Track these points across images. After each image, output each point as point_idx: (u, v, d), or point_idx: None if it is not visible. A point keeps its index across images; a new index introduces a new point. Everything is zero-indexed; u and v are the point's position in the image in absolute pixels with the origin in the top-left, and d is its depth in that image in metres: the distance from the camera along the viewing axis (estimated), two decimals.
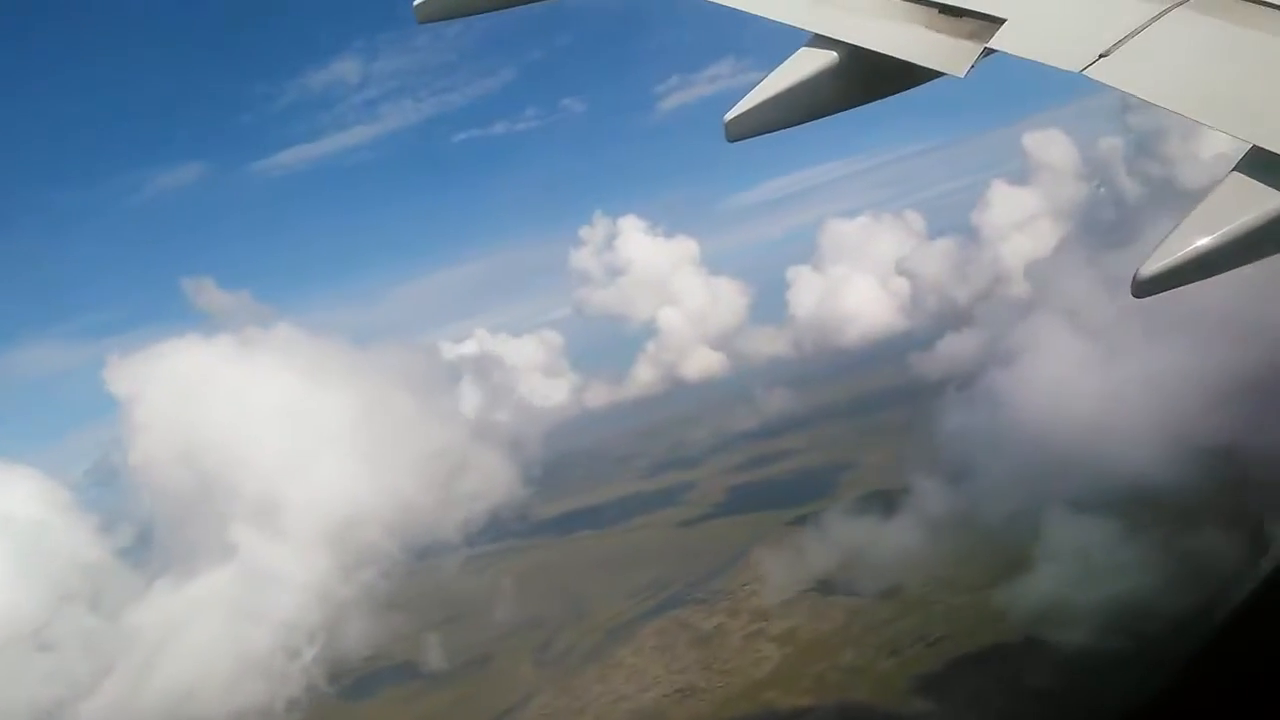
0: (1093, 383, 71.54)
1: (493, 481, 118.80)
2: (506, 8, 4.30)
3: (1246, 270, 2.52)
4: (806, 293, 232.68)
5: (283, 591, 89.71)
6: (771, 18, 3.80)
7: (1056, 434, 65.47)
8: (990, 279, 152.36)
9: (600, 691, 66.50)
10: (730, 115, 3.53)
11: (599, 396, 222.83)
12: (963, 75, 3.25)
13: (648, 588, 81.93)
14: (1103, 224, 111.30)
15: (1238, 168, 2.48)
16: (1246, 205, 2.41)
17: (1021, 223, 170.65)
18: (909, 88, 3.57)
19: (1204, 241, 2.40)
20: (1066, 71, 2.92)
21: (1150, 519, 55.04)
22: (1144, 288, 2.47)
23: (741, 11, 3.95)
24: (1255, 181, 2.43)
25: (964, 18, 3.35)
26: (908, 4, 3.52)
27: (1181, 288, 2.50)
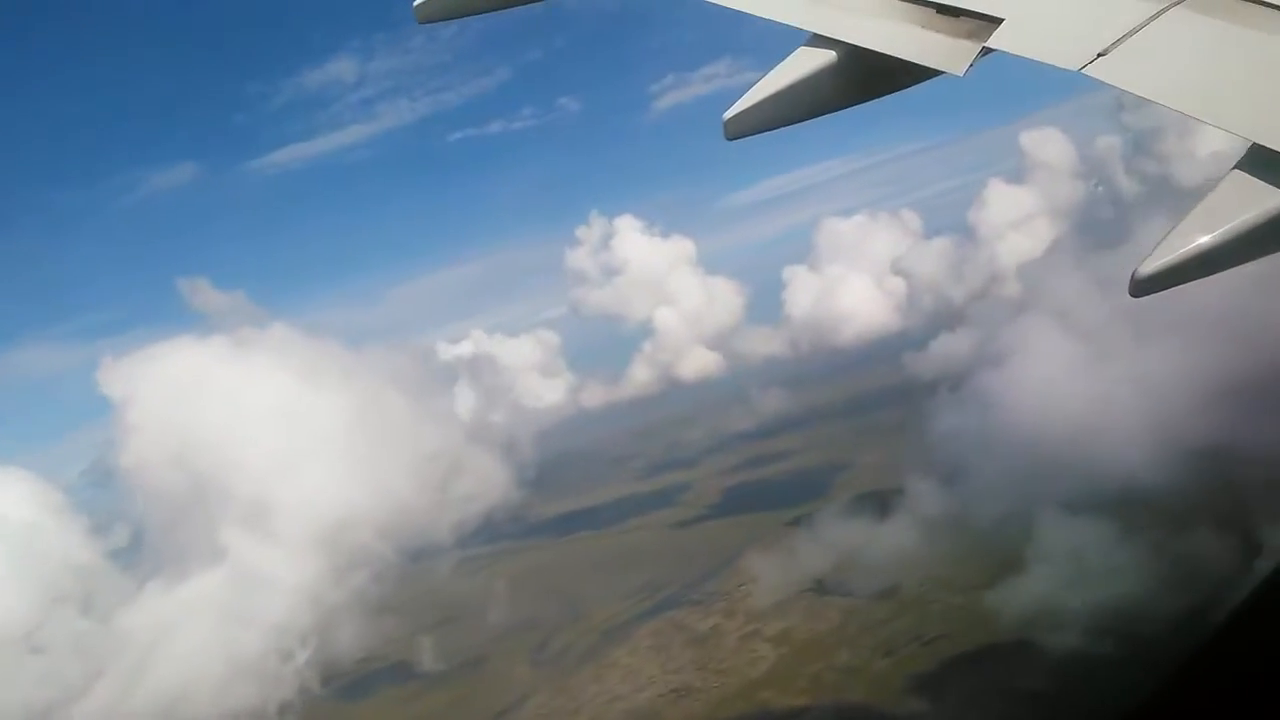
0: (1085, 383, 71.86)
1: (488, 483, 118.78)
2: (505, 8, 4.30)
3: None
4: (802, 292, 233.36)
5: (275, 594, 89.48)
6: (770, 17, 3.80)
7: (1049, 435, 65.75)
8: (986, 279, 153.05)
9: (596, 692, 66.47)
10: (729, 113, 3.53)
11: (595, 397, 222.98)
12: (961, 74, 3.25)
13: (643, 588, 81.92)
14: (1100, 223, 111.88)
15: (1238, 166, 2.49)
16: (1247, 203, 2.41)
17: (1018, 222, 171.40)
18: (908, 86, 3.57)
19: (1205, 239, 2.41)
20: (1065, 70, 2.93)
21: (1143, 520, 55.26)
22: (1143, 286, 2.47)
23: (738, 11, 3.96)
24: (1256, 179, 2.44)
25: (962, 17, 3.35)
26: (906, 3, 3.53)
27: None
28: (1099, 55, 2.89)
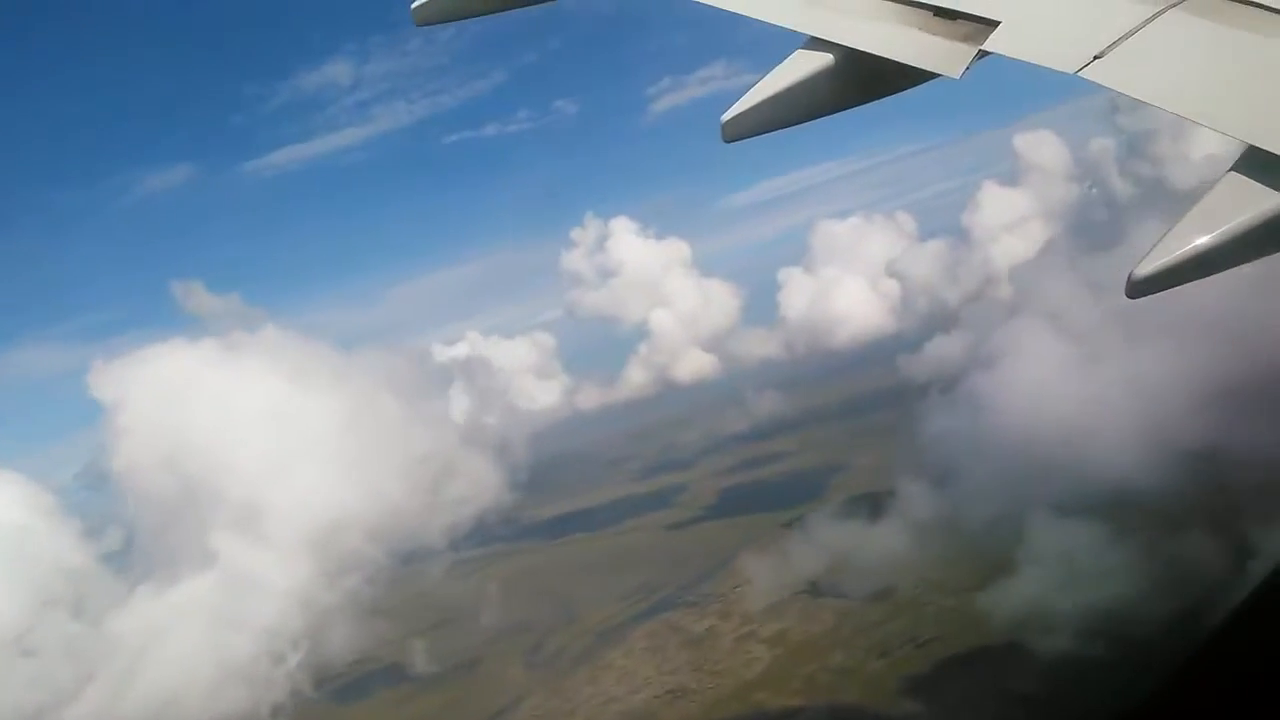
0: (1078, 385, 72.07)
1: (481, 485, 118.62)
2: (503, 10, 4.30)
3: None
4: (798, 294, 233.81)
5: (267, 597, 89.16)
6: (767, 20, 3.81)
7: (1043, 437, 65.92)
8: (980, 281, 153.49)
9: (591, 693, 66.37)
10: (727, 116, 3.54)
11: (590, 398, 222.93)
12: (958, 77, 3.26)
13: (639, 590, 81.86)
14: (1094, 225, 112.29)
15: (1234, 167, 2.50)
16: (1243, 205, 2.42)
17: (1012, 224, 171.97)
18: (905, 89, 3.59)
19: (1201, 241, 2.42)
20: (1061, 73, 2.94)
21: (1135, 523, 55.43)
22: (1139, 288, 2.48)
23: (734, 14, 3.97)
24: (1252, 181, 2.45)
25: (959, 20, 3.37)
26: (903, 6, 3.54)
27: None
28: (1095, 58, 2.90)
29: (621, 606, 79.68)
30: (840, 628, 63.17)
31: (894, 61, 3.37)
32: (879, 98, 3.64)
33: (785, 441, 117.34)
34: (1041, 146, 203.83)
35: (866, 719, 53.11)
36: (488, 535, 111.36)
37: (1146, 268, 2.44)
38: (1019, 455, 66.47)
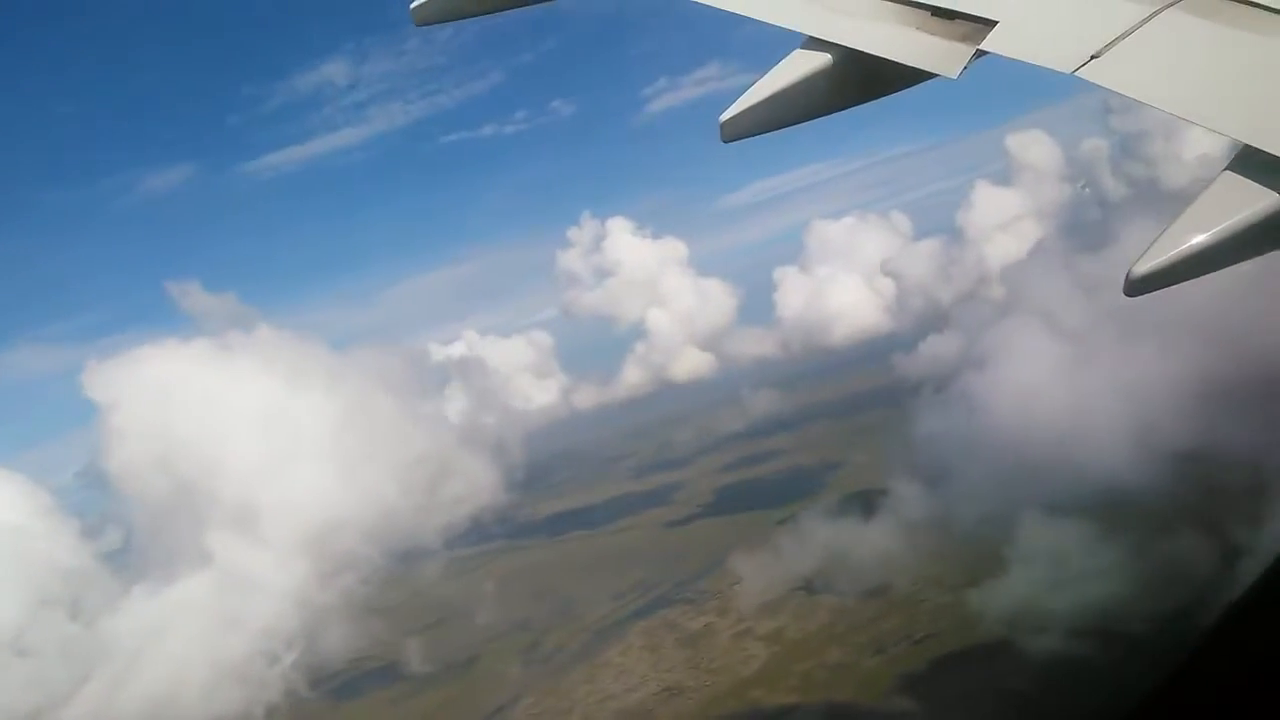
0: (1070, 386, 72.22)
1: (478, 484, 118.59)
2: (501, 10, 4.30)
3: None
4: (793, 294, 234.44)
5: (262, 597, 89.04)
6: (766, 20, 3.81)
7: (1035, 437, 66.08)
8: (974, 280, 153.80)
9: (588, 691, 66.39)
10: (725, 116, 3.53)
11: (587, 397, 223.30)
12: (955, 77, 3.27)
13: (636, 588, 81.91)
14: (1086, 225, 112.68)
15: (1230, 166, 2.51)
16: (1240, 204, 2.44)
17: (1007, 224, 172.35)
18: (903, 89, 3.59)
19: (1198, 240, 2.43)
20: (1059, 73, 2.94)
21: (1126, 522, 55.58)
22: (1137, 286, 2.49)
23: (731, 15, 3.96)
24: (1248, 180, 2.46)
25: (956, 20, 3.37)
26: (901, 6, 3.55)
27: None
28: (1092, 58, 2.90)
29: (618, 604, 79.72)
30: (836, 625, 63.29)
31: (892, 61, 3.38)
32: (877, 97, 3.65)
33: (781, 439, 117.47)
34: (1035, 146, 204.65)
35: (862, 716, 53.20)
36: (484, 534, 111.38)
37: (1144, 266, 2.45)
38: (1013, 453, 66.63)
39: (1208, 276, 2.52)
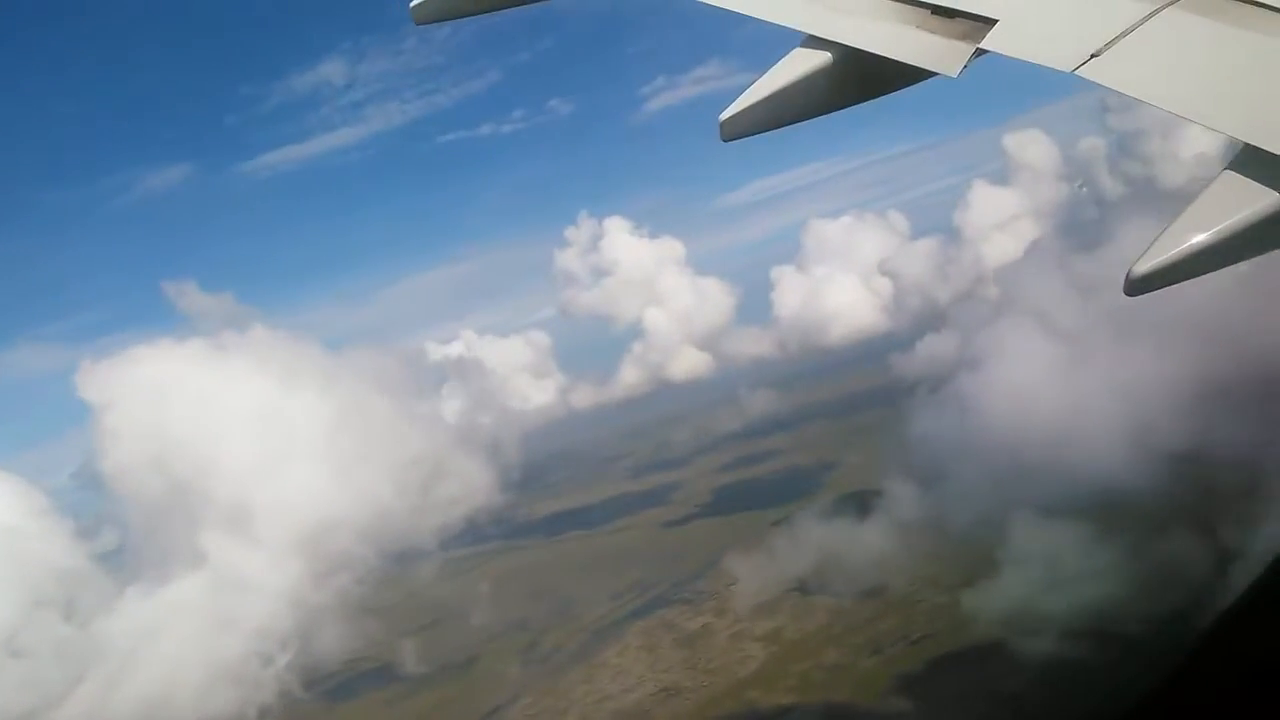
0: (1066, 386, 72.30)
1: (476, 483, 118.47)
2: (500, 9, 4.29)
3: (1220, 275, 2.54)
4: (791, 293, 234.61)
5: (256, 598, 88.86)
6: (765, 19, 3.80)
7: (1031, 437, 66.16)
8: (971, 280, 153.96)
9: (585, 692, 66.38)
10: (725, 115, 3.52)
11: (585, 397, 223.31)
12: (955, 75, 3.26)
13: (633, 588, 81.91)
14: (1084, 224, 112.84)
15: (1231, 165, 2.51)
16: (1240, 203, 2.44)
17: (1004, 223, 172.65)
18: (902, 88, 3.59)
19: (1199, 239, 2.42)
20: (1059, 71, 2.94)
21: (1122, 523, 55.68)
22: (1137, 286, 2.48)
23: (730, 13, 3.96)
24: (1248, 179, 2.46)
25: (956, 18, 3.36)
26: (900, 5, 3.54)
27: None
28: (1092, 56, 2.89)
29: (616, 604, 79.71)
30: (833, 625, 63.34)
31: (892, 60, 3.37)
32: (877, 96, 3.64)
33: (779, 439, 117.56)
34: (1032, 146, 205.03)
35: (860, 717, 53.24)
36: (481, 534, 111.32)
37: (1145, 265, 2.45)
38: (1009, 454, 66.70)
39: (1207, 276, 2.51)
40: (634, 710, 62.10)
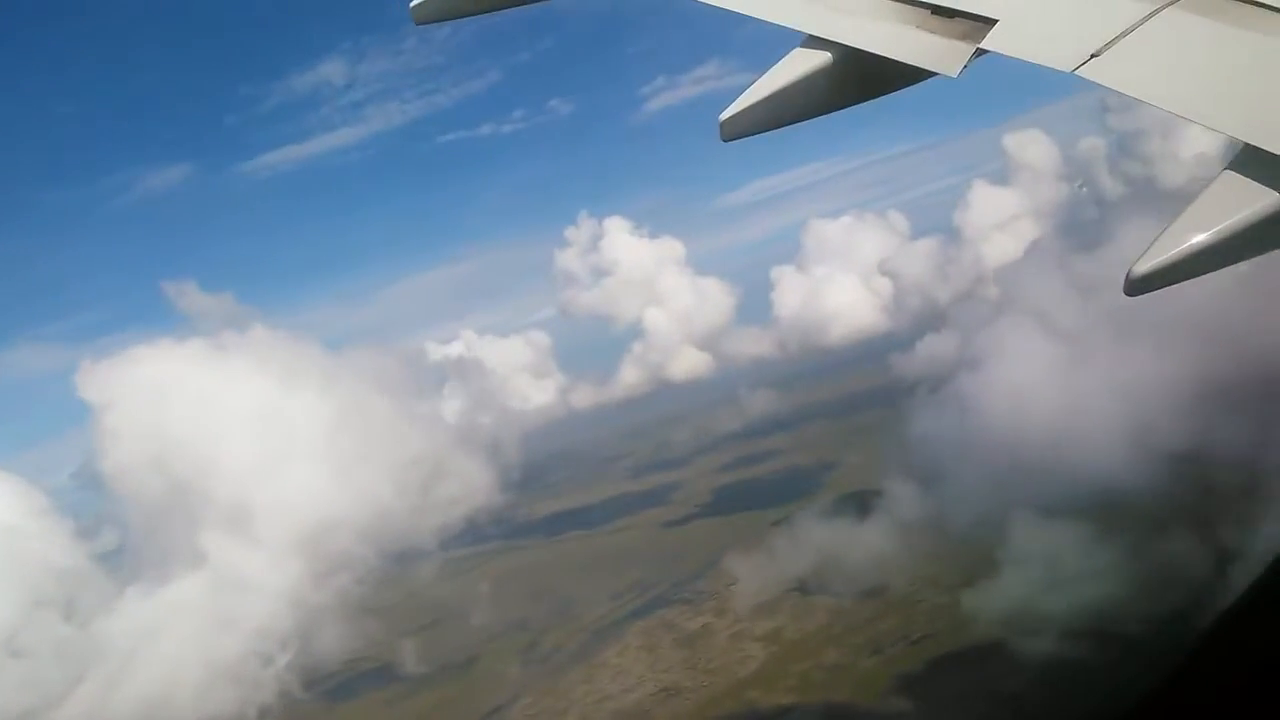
0: (1066, 386, 72.27)
1: (476, 483, 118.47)
2: (501, 9, 4.29)
3: (1219, 275, 2.54)
4: (791, 293, 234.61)
5: (256, 597, 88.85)
6: (765, 19, 3.81)
7: (1031, 437, 66.14)
8: (971, 280, 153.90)
9: (585, 692, 66.39)
10: (725, 115, 3.53)
11: (585, 397, 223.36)
12: (955, 75, 3.26)
13: (633, 588, 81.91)
14: (1084, 224, 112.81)
15: (1231, 165, 2.51)
16: (1240, 203, 2.44)
17: (1004, 223, 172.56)
18: (902, 88, 3.59)
19: (1199, 239, 2.43)
20: (1059, 71, 2.94)
21: (1122, 523, 55.68)
22: (1137, 285, 2.48)
23: (730, 13, 3.96)
24: (1248, 179, 2.46)
25: (956, 18, 3.37)
26: (900, 5, 3.54)
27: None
28: (1092, 56, 2.90)
29: (616, 604, 79.71)
30: (833, 625, 63.34)
31: (892, 60, 3.37)
32: (877, 96, 3.65)
33: (779, 439, 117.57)
34: (1032, 146, 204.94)
35: (860, 717, 53.24)
36: (481, 534, 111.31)
37: (1145, 265, 2.45)
38: (1008, 454, 66.68)
39: (1206, 276, 2.51)
40: (634, 710, 62.09)
